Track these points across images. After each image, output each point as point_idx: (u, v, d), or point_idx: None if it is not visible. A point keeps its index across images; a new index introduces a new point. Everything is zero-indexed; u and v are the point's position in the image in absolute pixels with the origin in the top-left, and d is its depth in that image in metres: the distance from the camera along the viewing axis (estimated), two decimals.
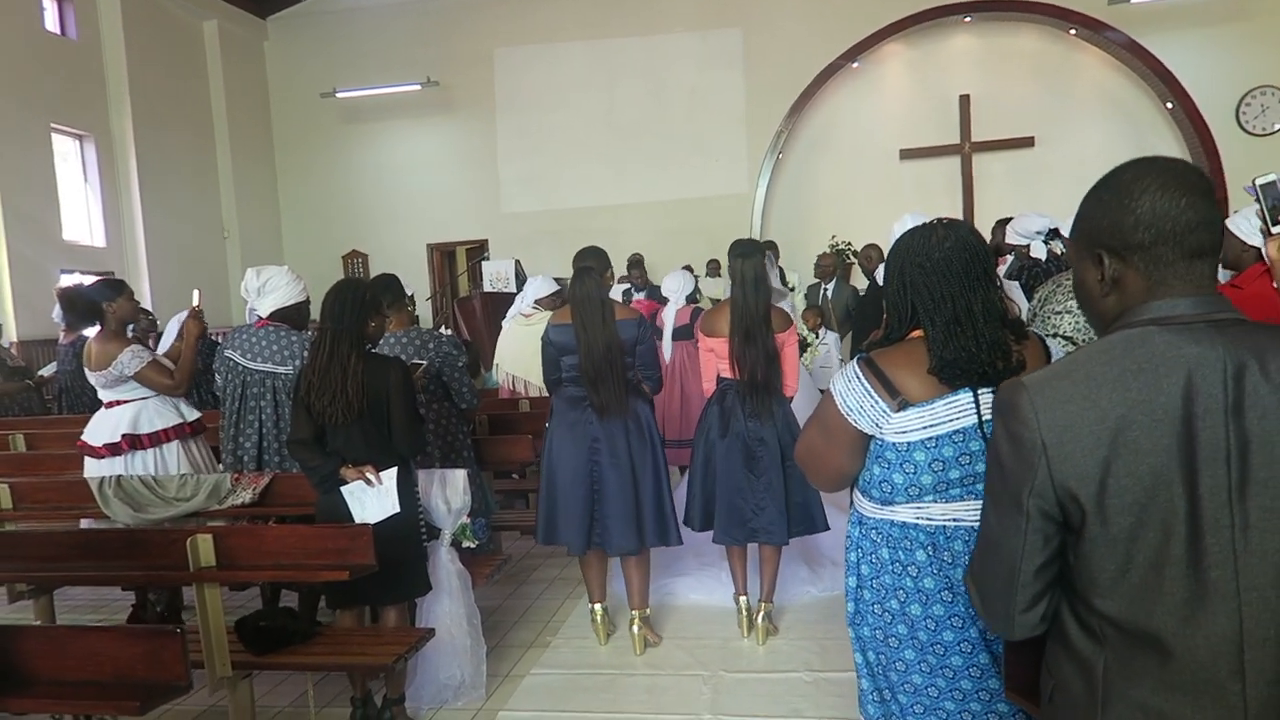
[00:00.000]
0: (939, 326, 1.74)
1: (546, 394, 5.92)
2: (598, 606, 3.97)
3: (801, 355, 6.20)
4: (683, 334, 6.22)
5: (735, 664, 3.69)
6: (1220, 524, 1.13)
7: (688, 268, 9.31)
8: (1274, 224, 2.22)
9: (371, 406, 3.01)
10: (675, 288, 6.38)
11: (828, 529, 3.93)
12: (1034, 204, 11.52)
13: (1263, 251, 2.28)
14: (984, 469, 1.62)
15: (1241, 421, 1.13)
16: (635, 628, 3.85)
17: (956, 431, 1.72)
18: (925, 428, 1.72)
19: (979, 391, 1.72)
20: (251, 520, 3.67)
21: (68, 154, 10.25)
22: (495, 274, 10.56)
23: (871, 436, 1.77)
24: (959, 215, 11.70)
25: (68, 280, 9.81)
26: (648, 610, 3.96)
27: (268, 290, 3.86)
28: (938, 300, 1.75)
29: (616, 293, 7.73)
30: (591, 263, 3.86)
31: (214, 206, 12.17)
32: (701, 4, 11.77)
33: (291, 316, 3.93)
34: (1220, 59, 10.87)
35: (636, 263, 11.51)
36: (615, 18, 12.08)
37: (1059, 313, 3.26)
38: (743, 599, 3.97)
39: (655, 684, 3.54)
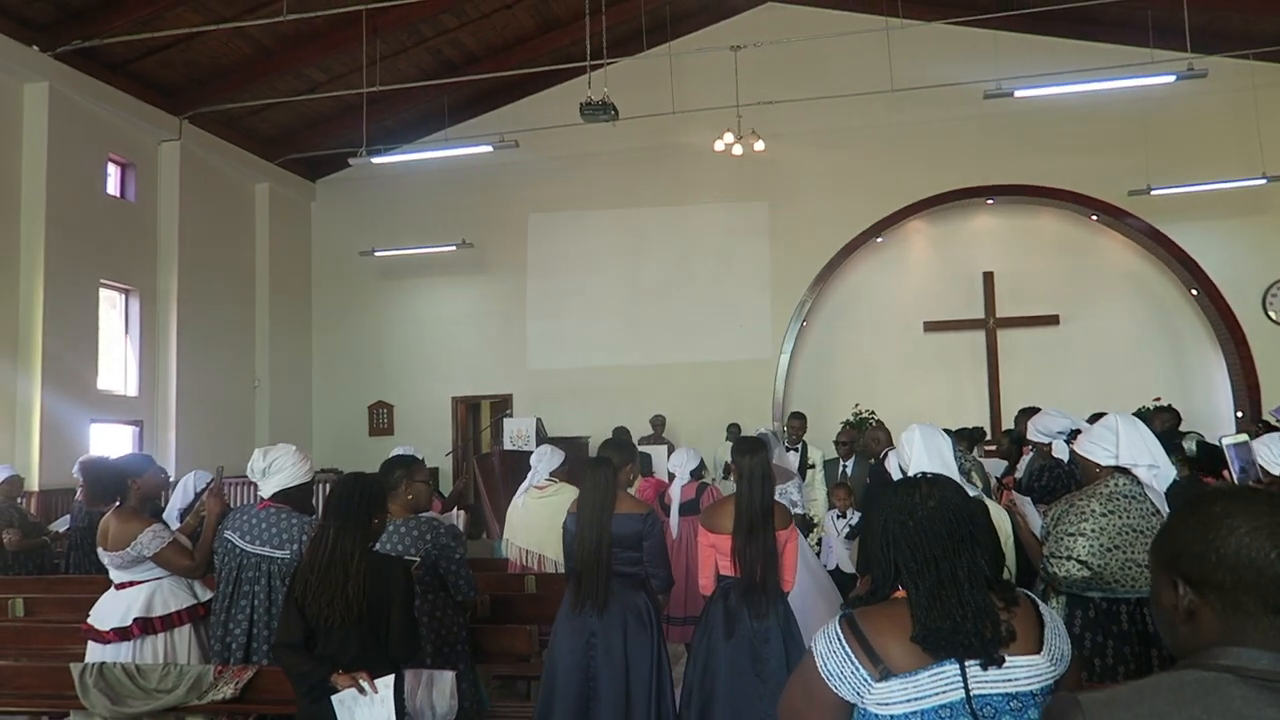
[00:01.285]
0: (923, 591, 1.68)
1: (557, 569, 5.85)
2: None
3: (806, 535, 6.10)
4: (689, 509, 6.22)
5: None
6: None
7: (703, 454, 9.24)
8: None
9: (371, 610, 2.91)
10: (681, 463, 6.41)
11: None
12: (1059, 379, 11.52)
13: None
14: None
15: None
16: None
17: (943, 706, 1.63)
18: (909, 700, 1.63)
19: (966, 664, 1.63)
20: (230, 717, 3.51)
21: (111, 305, 10.61)
22: (516, 432, 10.59)
23: (854, 705, 1.68)
24: (984, 388, 11.69)
25: (97, 430, 9.99)
26: None
27: (274, 470, 3.83)
28: (921, 562, 1.70)
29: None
30: (612, 454, 3.99)
31: (248, 358, 12.46)
32: (728, 177, 12.24)
33: (295, 498, 3.88)
34: (1244, 249, 11.01)
35: (659, 424, 11.54)
36: (645, 189, 12.60)
37: (1072, 535, 3.14)
38: None
39: None
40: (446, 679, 3.29)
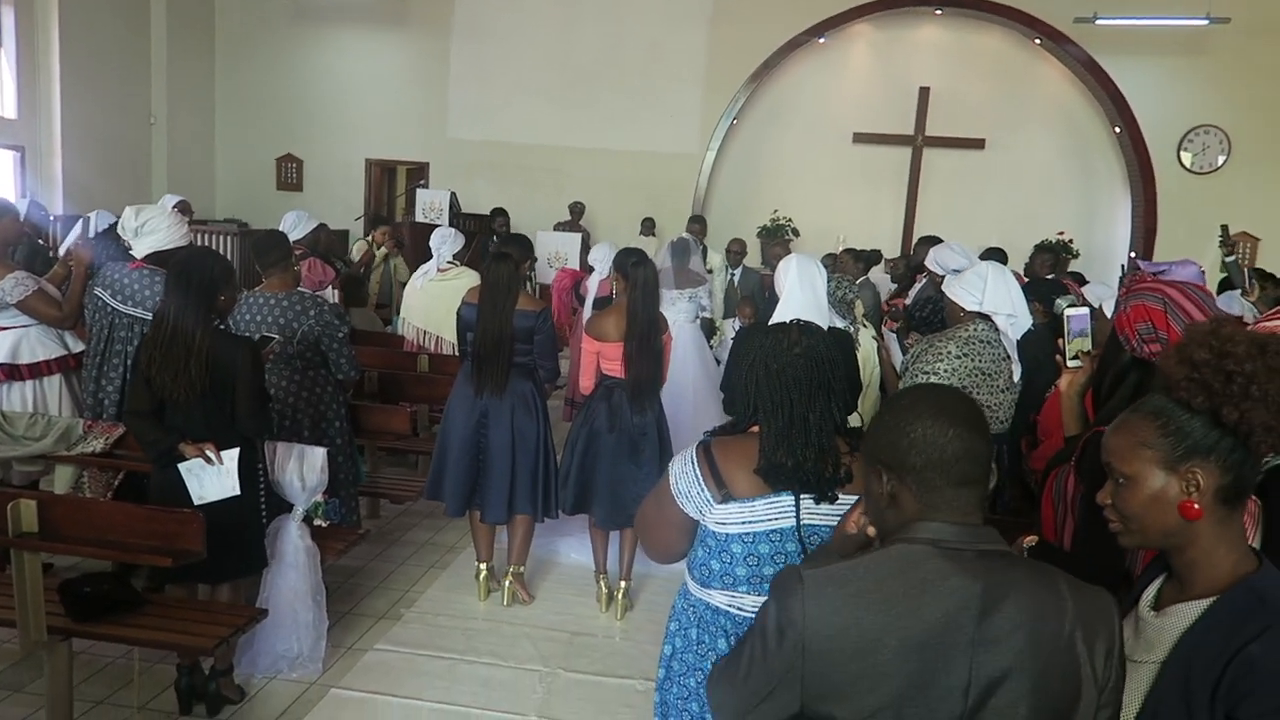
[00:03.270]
0: (774, 430, 1.80)
1: (452, 351, 5.95)
2: (482, 565, 4.24)
3: (710, 339, 6.33)
4: (603, 304, 6.32)
5: (576, 662, 3.76)
6: None
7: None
8: (1071, 358, 2.29)
9: (216, 385, 2.94)
10: (600, 258, 6.45)
11: None
12: (974, 204, 11.71)
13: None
14: None
15: (983, 657, 1.19)
16: (508, 582, 4.22)
17: (774, 531, 1.79)
18: (744, 523, 1.79)
19: (801, 496, 1.78)
20: (101, 470, 3.58)
21: None
22: (429, 204, 10.34)
23: (697, 522, 1.85)
24: (901, 206, 11.82)
25: None
26: (522, 568, 4.28)
27: (145, 231, 3.70)
28: (776, 404, 1.81)
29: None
30: (513, 250, 4.14)
31: (143, 90, 11.55)
32: None
33: (168, 261, 3.77)
34: (1171, 91, 11.02)
35: (578, 211, 11.40)
36: None
37: (926, 373, 3.32)
38: (602, 578, 4.28)
39: (492, 676, 3.60)
40: (318, 454, 3.38)
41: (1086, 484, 1.99)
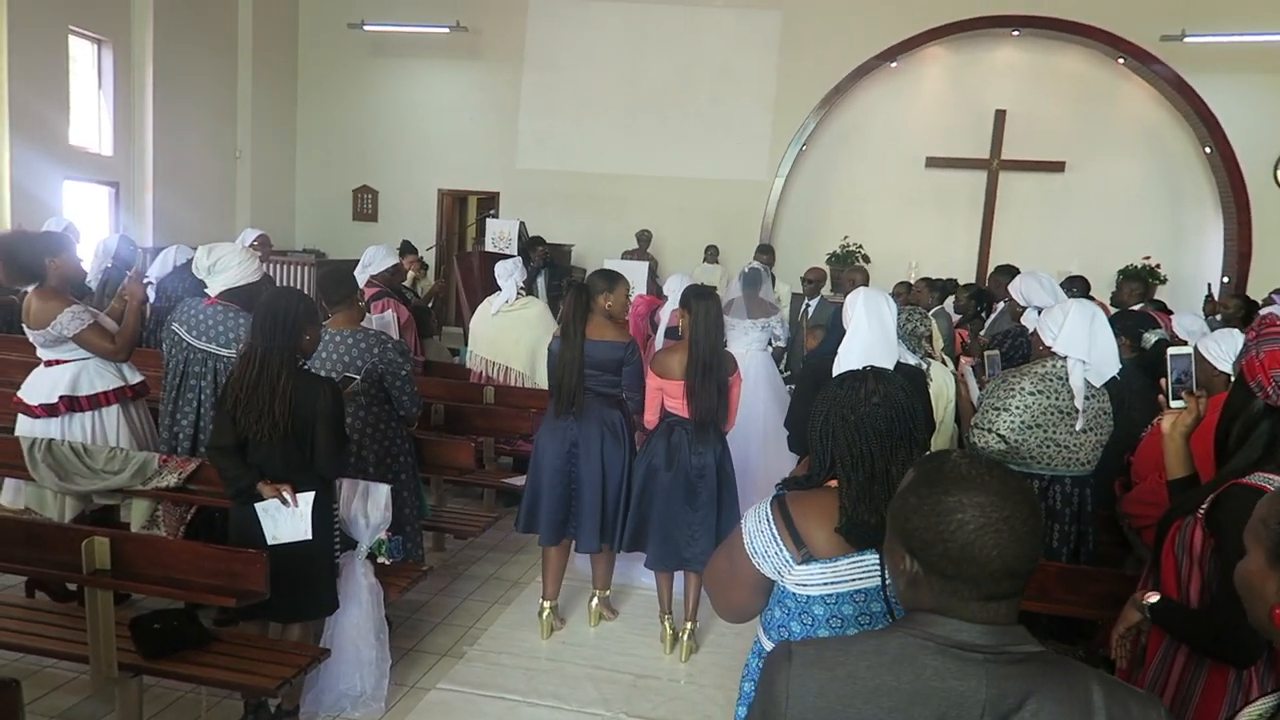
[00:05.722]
0: (854, 485, 1.71)
1: (517, 380, 5.97)
2: (547, 604, 4.21)
3: (781, 368, 6.23)
4: (674, 334, 6.30)
5: (638, 706, 3.67)
6: None
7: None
8: (1174, 397, 2.19)
9: (297, 426, 2.96)
10: (675, 288, 6.44)
11: None
12: (1053, 229, 11.35)
13: (1168, 404, 2.23)
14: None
15: None
16: (594, 603, 4.35)
17: (858, 591, 1.70)
18: (826, 584, 1.69)
19: None
20: (175, 504, 3.65)
21: (82, 58, 10.10)
22: (499, 233, 10.49)
23: (774, 581, 1.76)
24: (976, 232, 11.53)
25: (70, 187, 9.79)
26: (608, 592, 4.42)
27: (218, 270, 3.78)
28: (856, 458, 1.72)
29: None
30: (596, 282, 4.20)
31: (229, 126, 12.03)
32: None
33: (243, 297, 3.85)
34: (1266, 110, 10.53)
35: (645, 239, 11.41)
36: None
37: (998, 409, 3.18)
38: (667, 619, 4.17)
39: None
40: (382, 491, 3.39)
41: (1220, 538, 1.86)
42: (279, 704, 3.19)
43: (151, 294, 5.23)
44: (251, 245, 5.83)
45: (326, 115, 13.04)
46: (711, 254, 10.78)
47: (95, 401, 3.88)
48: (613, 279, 4.27)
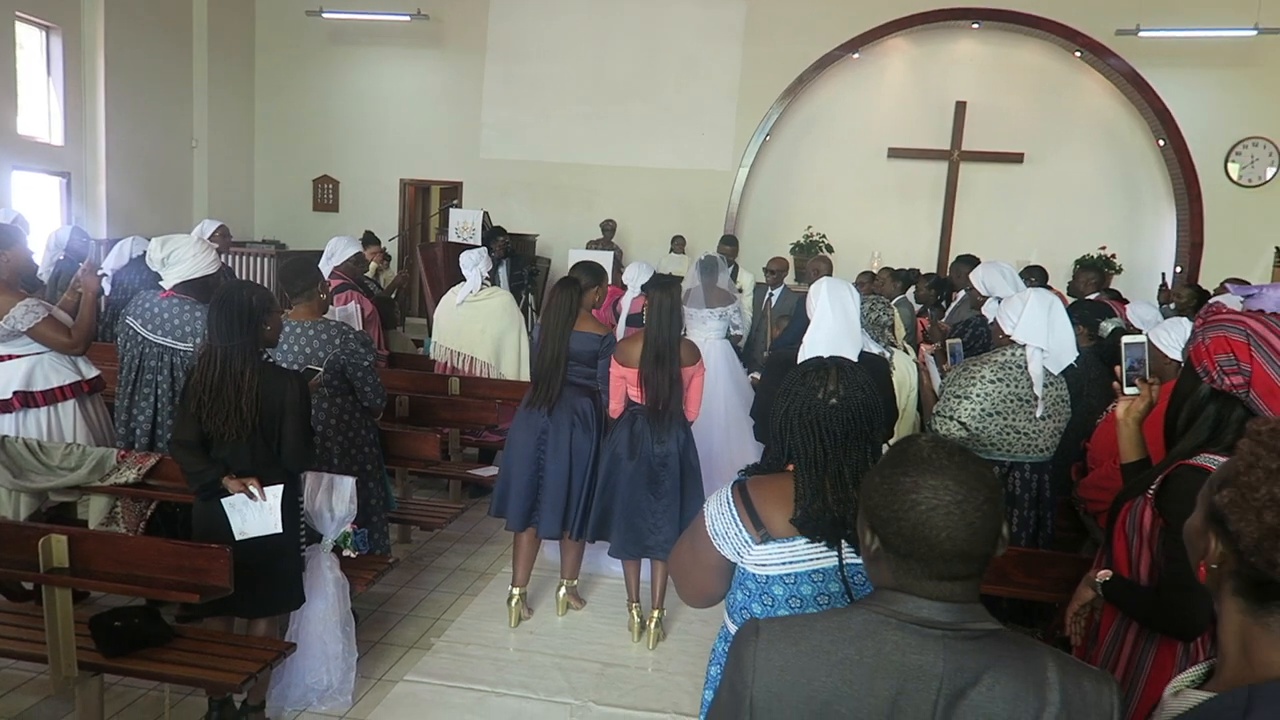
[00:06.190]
0: (809, 480, 1.74)
1: (482, 370, 5.94)
2: (516, 591, 4.24)
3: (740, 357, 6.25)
4: (635, 321, 6.32)
5: (607, 695, 3.69)
6: None
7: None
8: (1128, 385, 2.25)
9: (265, 422, 2.92)
10: (634, 276, 6.45)
11: None
12: (1013, 219, 11.52)
13: (1120, 394, 2.29)
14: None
15: None
16: (562, 592, 4.37)
17: (816, 571, 1.73)
18: (784, 564, 1.73)
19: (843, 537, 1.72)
20: (134, 500, 3.59)
21: (30, 44, 9.82)
22: (462, 224, 10.38)
23: (735, 564, 1.79)
24: (938, 222, 11.67)
25: (19, 178, 9.53)
26: (575, 581, 4.45)
27: (172, 262, 3.71)
28: (812, 454, 1.75)
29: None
30: (582, 276, 4.24)
31: (185, 115, 11.78)
32: None
33: (199, 290, 3.79)
34: (1218, 104, 10.76)
35: (609, 229, 11.39)
36: None
37: (959, 397, 3.24)
38: (634, 607, 4.20)
39: (522, 709, 3.55)
40: (347, 484, 3.37)
41: (1168, 518, 1.92)
42: (244, 700, 3.16)
43: (107, 286, 5.13)
44: (211, 237, 5.73)
45: (285, 104, 12.82)
46: (678, 244, 10.80)
47: (51, 397, 3.80)
48: (598, 273, 4.36)
